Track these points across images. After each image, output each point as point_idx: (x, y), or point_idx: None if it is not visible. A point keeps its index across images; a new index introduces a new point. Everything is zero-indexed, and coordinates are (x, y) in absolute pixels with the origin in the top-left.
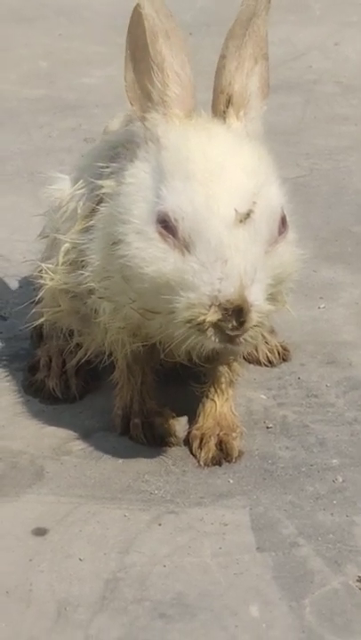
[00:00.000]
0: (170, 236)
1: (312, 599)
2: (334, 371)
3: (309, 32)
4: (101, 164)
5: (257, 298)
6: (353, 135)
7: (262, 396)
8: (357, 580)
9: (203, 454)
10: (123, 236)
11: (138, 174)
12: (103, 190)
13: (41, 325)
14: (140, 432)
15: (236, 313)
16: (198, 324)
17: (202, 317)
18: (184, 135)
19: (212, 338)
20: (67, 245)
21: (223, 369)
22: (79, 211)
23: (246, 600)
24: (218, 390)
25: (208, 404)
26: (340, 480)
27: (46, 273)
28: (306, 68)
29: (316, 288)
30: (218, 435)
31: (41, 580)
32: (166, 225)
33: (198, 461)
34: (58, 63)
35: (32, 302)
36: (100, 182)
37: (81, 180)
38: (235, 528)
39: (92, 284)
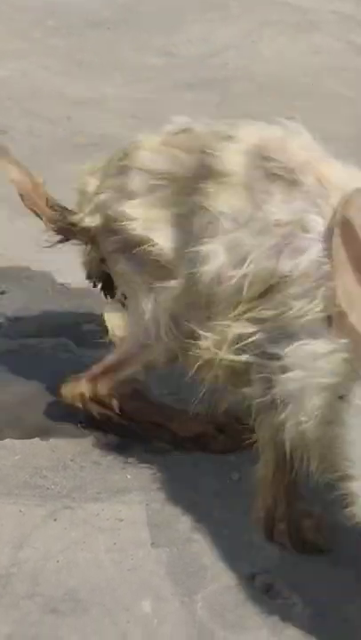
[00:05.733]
0: None
1: (204, 595)
2: None
3: (227, 30)
4: None
5: None
6: None
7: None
8: (250, 577)
9: None
10: None
11: None
12: None
13: None
14: (286, 538)
15: None
16: None
17: None
18: None
19: None
20: None
21: None
22: None
23: (139, 595)
24: None
25: None
26: (237, 476)
27: None
28: (222, 65)
29: None
30: None
31: None
32: None
33: None
34: None
35: None
36: None
37: None
38: (130, 524)
39: None
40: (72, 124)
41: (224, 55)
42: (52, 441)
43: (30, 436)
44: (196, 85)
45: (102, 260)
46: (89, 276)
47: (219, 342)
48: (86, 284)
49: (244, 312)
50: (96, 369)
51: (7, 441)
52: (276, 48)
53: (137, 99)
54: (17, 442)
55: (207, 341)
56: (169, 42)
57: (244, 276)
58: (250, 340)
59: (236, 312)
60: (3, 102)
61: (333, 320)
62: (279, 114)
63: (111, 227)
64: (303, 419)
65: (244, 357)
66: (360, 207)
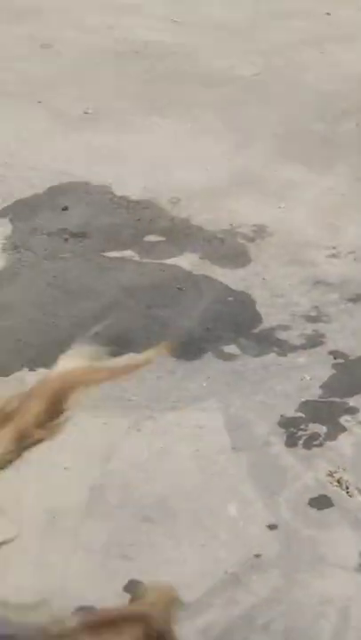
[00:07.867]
0: None
1: (286, 495)
2: (297, 270)
3: None
4: None
5: None
6: (304, 30)
7: (229, 299)
8: (328, 475)
9: None
10: None
11: None
12: None
13: None
14: None
15: None
16: None
17: None
18: None
19: None
20: None
21: None
22: None
23: (224, 500)
24: None
25: None
26: (308, 378)
27: None
28: None
29: (275, 188)
30: None
31: (29, 489)
32: None
33: None
34: None
35: None
36: None
37: None
38: (210, 430)
39: None
40: (114, 32)
41: None
42: None
43: None
44: None
45: None
46: None
47: None
48: (147, 195)
49: None
50: None
51: None
52: None
53: (174, 1)
54: None
55: None
56: None
57: None
58: None
59: None
60: (49, 14)
61: None
62: None
63: None
64: None
65: None
66: None
